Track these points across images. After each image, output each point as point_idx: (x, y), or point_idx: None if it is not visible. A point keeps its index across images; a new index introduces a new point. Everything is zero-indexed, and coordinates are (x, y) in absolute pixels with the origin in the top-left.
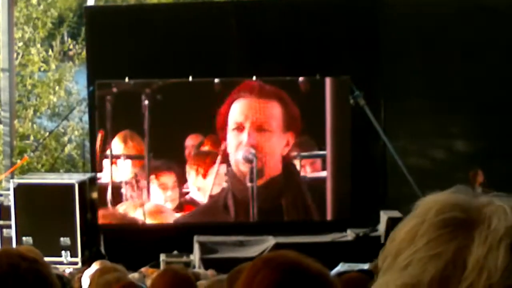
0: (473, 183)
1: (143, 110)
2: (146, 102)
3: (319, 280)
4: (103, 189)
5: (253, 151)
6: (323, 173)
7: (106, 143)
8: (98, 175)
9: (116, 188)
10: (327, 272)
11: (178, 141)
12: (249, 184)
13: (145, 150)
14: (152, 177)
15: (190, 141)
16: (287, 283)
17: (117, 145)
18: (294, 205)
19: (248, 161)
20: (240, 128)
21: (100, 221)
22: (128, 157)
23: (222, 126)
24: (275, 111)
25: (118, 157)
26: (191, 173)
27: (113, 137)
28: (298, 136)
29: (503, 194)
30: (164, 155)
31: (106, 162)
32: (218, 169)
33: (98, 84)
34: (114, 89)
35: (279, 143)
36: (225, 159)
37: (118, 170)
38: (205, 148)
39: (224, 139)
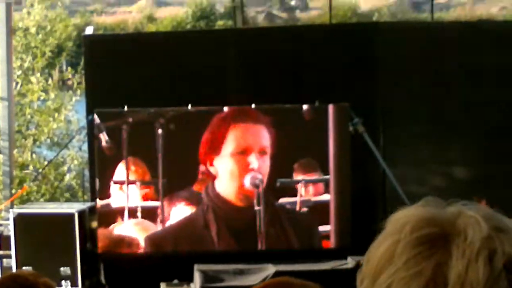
0: None
1: (157, 139)
2: (160, 131)
3: None
4: (111, 213)
5: (260, 176)
6: (325, 197)
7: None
8: (107, 200)
9: (121, 213)
10: None
11: (192, 167)
12: (257, 208)
13: (159, 175)
14: (182, 203)
15: (203, 168)
16: None
17: (121, 170)
18: (275, 232)
19: (255, 186)
20: (245, 152)
21: (102, 246)
22: (142, 183)
23: (210, 151)
24: (265, 134)
25: (133, 182)
26: None
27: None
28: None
29: (468, 202)
30: (178, 181)
31: (113, 188)
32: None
33: (101, 113)
34: (130, 119)
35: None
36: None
37: (124, 195)
38: None
39: (210, 163)
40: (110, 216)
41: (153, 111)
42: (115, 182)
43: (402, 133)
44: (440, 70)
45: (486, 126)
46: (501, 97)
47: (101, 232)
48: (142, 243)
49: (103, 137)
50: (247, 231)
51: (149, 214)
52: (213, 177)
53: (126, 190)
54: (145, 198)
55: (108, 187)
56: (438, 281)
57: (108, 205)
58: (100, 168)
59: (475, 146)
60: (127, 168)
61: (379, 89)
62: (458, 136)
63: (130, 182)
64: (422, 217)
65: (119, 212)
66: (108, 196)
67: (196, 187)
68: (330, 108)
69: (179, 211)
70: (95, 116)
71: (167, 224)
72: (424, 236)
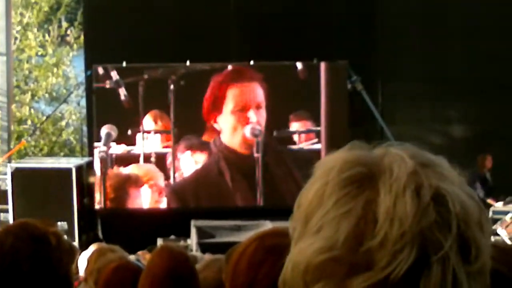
0: (481, 168)
1: (169, 94)
2: (172, 87)
3: None
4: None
5: (258, 127)
6: (317, 146)
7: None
8: (133, 147)
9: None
10: None
11: (201, 120)
12: (256, 155)
13: (171, 127)
14: (188, 152)
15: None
16: None
17: (148, 122)
18: (282, 173)
19: (255, 136)
20: (245, 109)
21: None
22: (157, 132)
23: (213, 109)
24: (259, 91)
25: (149, 132)
26: None
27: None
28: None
29: (396, 143)
30: (188, 131)
31: (138, 136)
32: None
33: (119, 69)
34: (146, 76)
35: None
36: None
37: (149, 143)
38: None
39: (214, 120)
40: (127, 161)
41: (162, 69)
42: (133, 132)
43: (401, 91)
44: (441, 27)
45: (485, 83)
46: (502, 54)
47: (112, 174)
48: (144, 180)
49: (122, 92)
50: (251, 176)
51: (162, 160)
52: (218, 132)
53: (141, 138)
54: (167, 146)
55: (126, 136)
56: (368, 218)
57: (129, 151)
58: (115, 119)
59: (473, 104)
60: (148, 120)
61: (379, 46)
62: (458, 94)
63: (145, 131)
64: (349, 159)
65: (135, 157)
66: (125, 143)
67: (204, 137)
68: (322, 66)
69: (188, 158)
70: (115, 72)
71: (179, 170)
72: (352, 176)
